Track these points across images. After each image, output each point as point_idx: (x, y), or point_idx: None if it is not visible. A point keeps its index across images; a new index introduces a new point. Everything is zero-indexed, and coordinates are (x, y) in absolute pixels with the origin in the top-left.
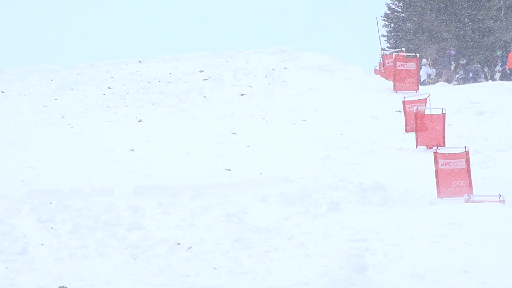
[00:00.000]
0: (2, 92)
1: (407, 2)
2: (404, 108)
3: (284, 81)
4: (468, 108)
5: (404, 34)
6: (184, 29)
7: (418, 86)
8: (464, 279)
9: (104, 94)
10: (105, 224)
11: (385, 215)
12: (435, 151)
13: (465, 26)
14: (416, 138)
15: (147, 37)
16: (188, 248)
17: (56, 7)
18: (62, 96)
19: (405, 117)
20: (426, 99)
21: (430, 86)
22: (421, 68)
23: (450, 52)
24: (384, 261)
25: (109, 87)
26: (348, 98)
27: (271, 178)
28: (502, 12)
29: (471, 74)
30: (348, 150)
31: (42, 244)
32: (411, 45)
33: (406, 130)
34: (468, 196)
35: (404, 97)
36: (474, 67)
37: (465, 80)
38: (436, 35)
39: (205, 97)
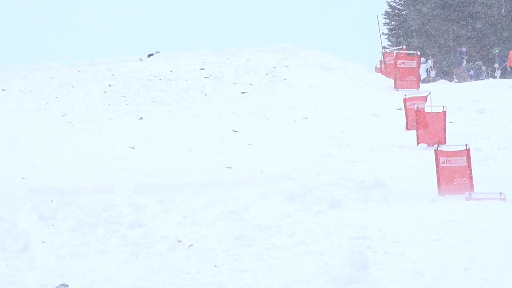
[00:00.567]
0: (3, 90)
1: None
2: (405, 106)
3: (285, 79)
4: (469, 106)
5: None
6: (185, 27)
7: (419, 84)
8: (465, 276)
9: (105, 92)
10: (106, 221)
11: (386, 212)
12: (436, 148)
13: (465, 24)
14: (417, 136)
15: (147, 36)
16: (189, 246)
17: (57, 5)
18: (63, 94)
19: (406, 115)
20: (427, 96)
21: (431, 83)
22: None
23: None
24: (385, 259)
25: (110, 85)
26: (349, 96)
27: (272, 176)
28: (503, 10)
29: (472, 72)
30: (349, 147)
31: (43, 242)
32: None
33: (407, 128)
34: (469, 193)
35: (405, 95)
36: (476, 65)
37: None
38: (435, 34)
39: (206, 94)
